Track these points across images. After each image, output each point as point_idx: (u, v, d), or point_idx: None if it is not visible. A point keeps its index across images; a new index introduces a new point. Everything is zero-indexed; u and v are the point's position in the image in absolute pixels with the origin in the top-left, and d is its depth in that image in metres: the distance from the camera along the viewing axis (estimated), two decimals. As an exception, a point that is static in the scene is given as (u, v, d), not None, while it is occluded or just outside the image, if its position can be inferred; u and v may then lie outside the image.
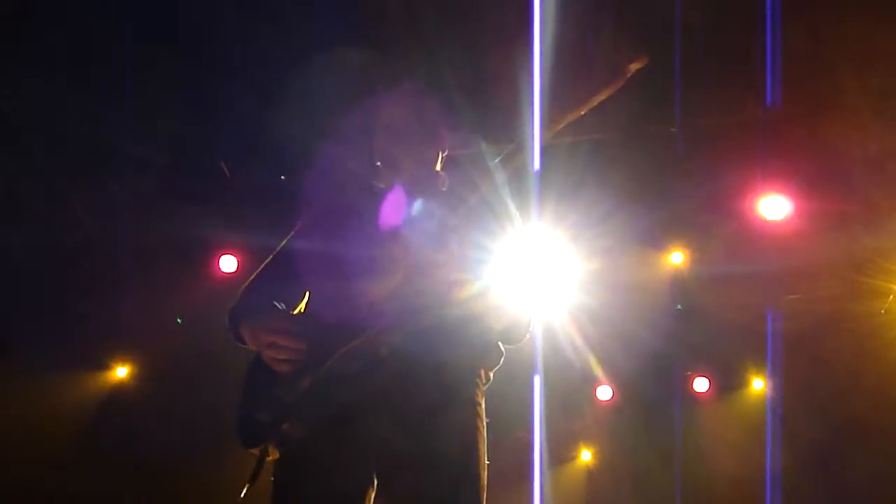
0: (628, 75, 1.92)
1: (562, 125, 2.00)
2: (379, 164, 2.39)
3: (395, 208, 2.06)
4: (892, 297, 6.22)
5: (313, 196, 2.46)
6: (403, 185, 2.27)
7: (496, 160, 2.05)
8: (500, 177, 2.29)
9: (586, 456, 8.26)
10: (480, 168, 2.07)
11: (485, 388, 2.27)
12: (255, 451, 2.21)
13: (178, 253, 5.92)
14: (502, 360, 2.29)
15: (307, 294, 2.35)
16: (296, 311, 2.33)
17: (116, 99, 4.80)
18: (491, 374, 2.29)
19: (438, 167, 2.38)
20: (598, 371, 7.05)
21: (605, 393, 7.48)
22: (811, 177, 5.30)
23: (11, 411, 5.98)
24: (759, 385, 7.52)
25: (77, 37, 4.50)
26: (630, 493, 7.57)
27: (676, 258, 6.27)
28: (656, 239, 6.11)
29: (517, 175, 2.35)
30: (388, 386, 2.10)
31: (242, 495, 2.21)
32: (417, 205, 2.02)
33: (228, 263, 6.04)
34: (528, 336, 2.27)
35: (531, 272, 2.30)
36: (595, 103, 1.97)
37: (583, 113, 2.00)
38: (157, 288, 5.95)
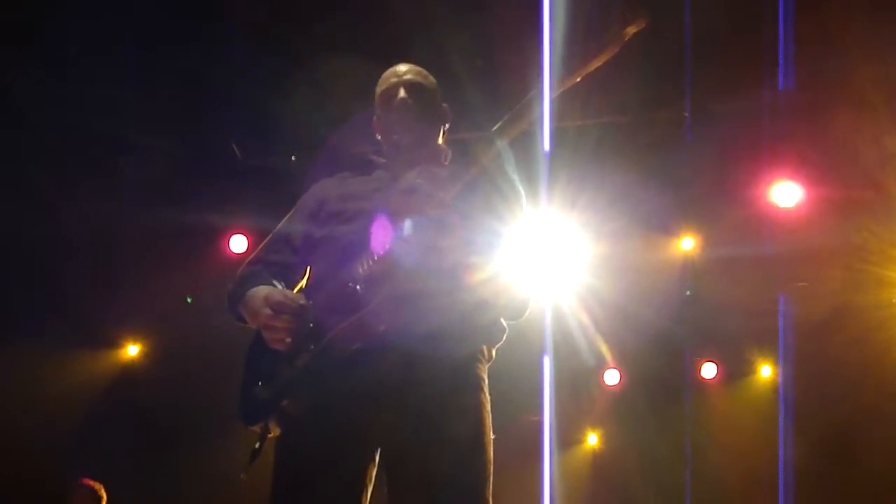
0: (626, 39, 1.89)
1: (557, 93, 1.97)
2: (379, 137, 2.40)
3: (400, 207, 2.03)
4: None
5: (319, 177, 2.45)
6: (405, 161, 2.28)
7: (500, 122, 2.02)
8: (510, 160, 2.29)
9: (593, 439, 8.28)
10: (489, 152, 2.06)
11: (488, 365, 2.27)
12: (257, 428, 2.22)
13: (188, 233, 5.94)
14: (505, 336, 2.28)
15: (307, 272, 2.34)
16: (295, 290, 2.32)
17: (126, 81, 4.81)
18: (494, 351, 2.29)
19: (440, 140, 2.39)
20: (606, 355, 7.06)
21: (612, 377, 7.48)
22: (823, 164, 5.28)
23: (24, 389, 6.03)
24: (766, 372, 7.51)
25: (84, 22, 4.50)
26: (636, 477, 7.58)
27: (686, 243, 6.25)
28: (666, 224, 6.10)
29: (523, 148, 2.34)
30: (392, 367, 2.10)
31: (245, 473, 2.23)
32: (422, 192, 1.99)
33: (239, 243, 6.06)
34: (528, 312, 2.26)
35: (540, 255, 2.29)
36: (591, 69, 1.94)
37: (577, 80, 1.97)
38: (168, 268, 5.98)
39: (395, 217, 2.06)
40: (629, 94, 4.80)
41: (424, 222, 2.01)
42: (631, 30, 1.88)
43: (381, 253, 2.07)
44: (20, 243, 5.54)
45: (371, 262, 2.09)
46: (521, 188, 2.29)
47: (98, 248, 5.91)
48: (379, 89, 2.38)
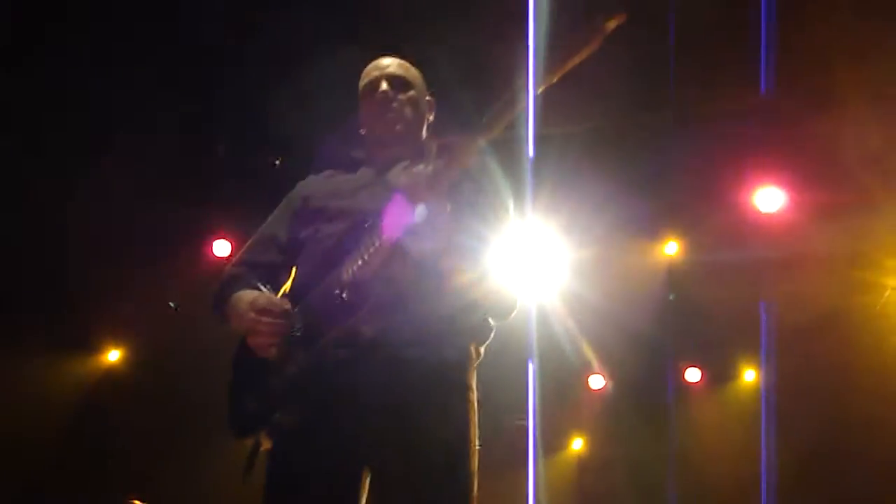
0: (606, 33, 1.87)
1: (540, 89, 1.95)
2: (363, 132, 2.38)
3: (399, 212, 2.00)
4: (887, 292, 6.22)
5: (308, 180, 2.42)
6: (389, 155, 2.25)
7: (484, 118, 2.00)
8: (495, 165, 2.27)
9: (577, 445, 8.29)
10: (473, 152, 2.04)
11: (477, 363, 2.24)
12: (248, 441, 2.20)
13: (172, 237, 5.91)
14: (493, 334, 2.25)
15: (292, 275, 2.31)
16: (281, 292, 2.29)
17: (114, 82, 4.77)
18: (482, 350, 2.26)
19: (424, 133, 2.37)
20: (591, 360, 7.06)
21: (597, 382, 7.49)
22: (806, 169, 5.30)
23: (5, 393, 5.97)
24: (750, 376, 7.53)
25: (77, 18, 4.47)
26: (621, 483, 7.59)
27: (670, 248, 6.27)
28: (650, 229, 6.11)
29: (507, 154, 2.32)
30: (379, 373, 2.07)
31: (245, 473, 2.19)
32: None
33: (222, 248, 6.03)
34: (515, 312, 2.23)
35: (525, 261, 2.27)
36: (573, 64, 1.92)
37: (560, 76, 1.95)
38: (151, 272, 5.94)
39: (382, 218, 2.04)
40: (613, 101, 4.81)
41: (411, 225, 1.99)
42: (611, 24, 1.86)
43: (367, 258, 2.05)
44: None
45: (357, 268, 2.07)
46: (506, 190, 2.28)
47: (79, 252, 5.86)
48: (362, 83, 2.35)
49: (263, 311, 2.15)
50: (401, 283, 2.05)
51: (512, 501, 6.25)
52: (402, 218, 1.99)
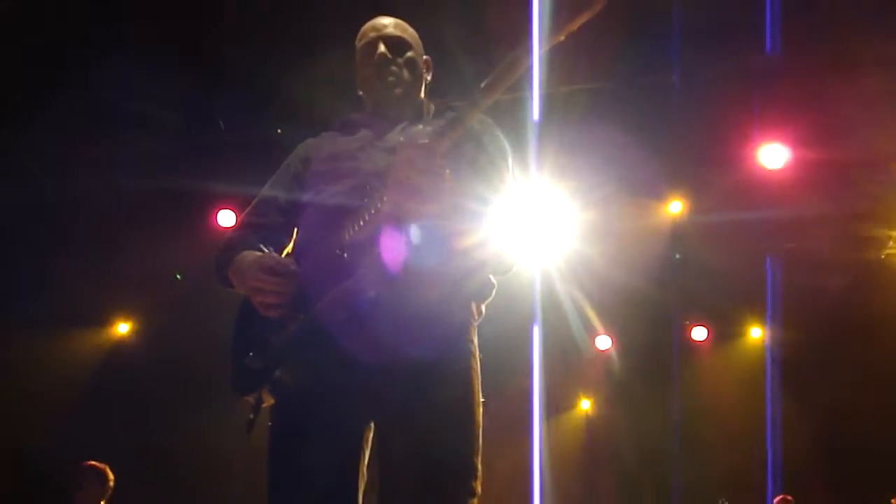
0: None
1: (543, 50, 1.92)
2: (361, 93, 2.36)
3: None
4: (891, 242, 6.22)
5: (307, 142, 2.41)
6: (388, 117, 2.25)
7: (486, 79, 1.98)
8: (496, 125, 2.26)
9: (585, 405, 8.34)
10: (474, 113, 2.02)
11: (478, 322, 2.24)
12: (250, 398, 2.20)
13: (176, 209, 5.91)
14: (494, 291, 2.25)
15: (294, 236, 2.30)
16: (283, 253, 2.29)
17: (115, 56, 4.74)
18: (483, 308, 2.26)
19: (423, 93, 2.35)
20: (597, 321, 7.08)
21: (604, 342, 7.52)
22: (810, 125, 5.27)
23: (15, 369, 6.01)
24: (756, 333, 7.56)
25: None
26: (629, 441, 7.65)
27: (675, 207, 6.26)
28: (655, 188, 6.09)
29: (512, 115, 2.30)
30: (381, 331, 2.07)
31: (248, 430, 2.21)
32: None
33: (227, 218, 6.04)
34: (514, 267, 2.23)
35: (529, 224, 2.26)
36: (574, 27, 1.90)
37: (562, 38, 1.92)
38: (156, 244, 5.95)
39: (382, 182, 2.03)
40: (617, 60, 4.77)
41: (411, 189, 1.98)
42: None
43: (368, 219, 2.05)
44: (7, 223, 5.50)
45: (357, 229, 2.08)
46: (508, 149, 2.26)
47: (86, 226, 5.87)
48: (359, 44, 2.33)
49: (269, 269, 2.15)
50: (402, 244, 2.03)
51: (521, 459, 6.32)
52: (395, 179, 1.98)
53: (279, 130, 5.51)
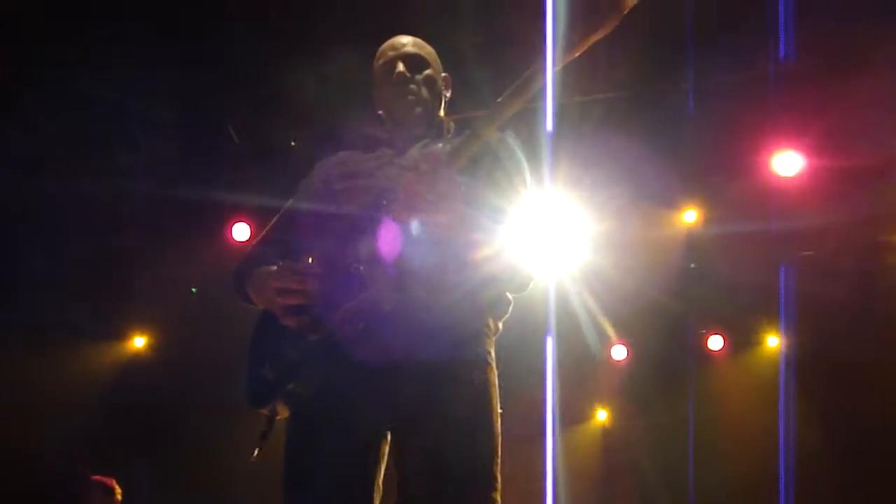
0: (625, 12, 1.86)
1: (559, 67, 1.95)
2: (380, 112, 2.37)
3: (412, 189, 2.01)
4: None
5: (325, 159, 2.43)
6: (407, 135, 2.26)
7: (502, 97, 2.00)
8: (513, 136, 2.27)
9: (602, 416, 8.30)
10: (492, 127, 2.04)
11: (495, 338, 2.25)
12: (265, 410, 2.21)
13: (191, 222, 5.93)
14: (510, 308, 2.26)
15: (313, 253, 2.31)
16: None
17: (129, 63, 4.77)
18: (500, 324, 2.27)
19: (442, 111, 2.37)
20: (612, 331, 7.06)
21: (619, 353, 7.49)
22: (825, 132, 5.25)
23: (32, 382, 6.03)
24: (773, 342, 7.51)
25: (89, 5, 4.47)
26: (646, 452, 7.61)
27: (689, 216, 6.24)
28: (669, 197, 6.08)
29: (526, 126, 2.32)
30: (397, 345, 2.09)
31: (254, 455, 2.22)
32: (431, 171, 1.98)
33: (242, 232, 6.05)
34: (532, 284, 2.24)
35: (544, 234, 2.27)
36: (591, 43, 1.92)
37: (577, 54, 1.94)
38: (172, 258, 5.97)
39: (398, 196, 2.04)
40: (631, 69, 4.77)
41: (425, 201, 1.99)
42: (630, 2, 1.85)
43: (384, 234, 2.06)
44: (24, 234, 5.53)
45: (373, 242, 2.08)
46: (525, 163, 2.27)
47: (102, 239, 5.90)
48: (377, 63, 2.35)
49: (293, 270, 2.15)
50: (418, 257, 2.06)
51: (536, 472, 6.29)
52: (413, 194, 1.99)
53: (293, 143, 5.53)
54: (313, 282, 2.12)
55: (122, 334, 6.93)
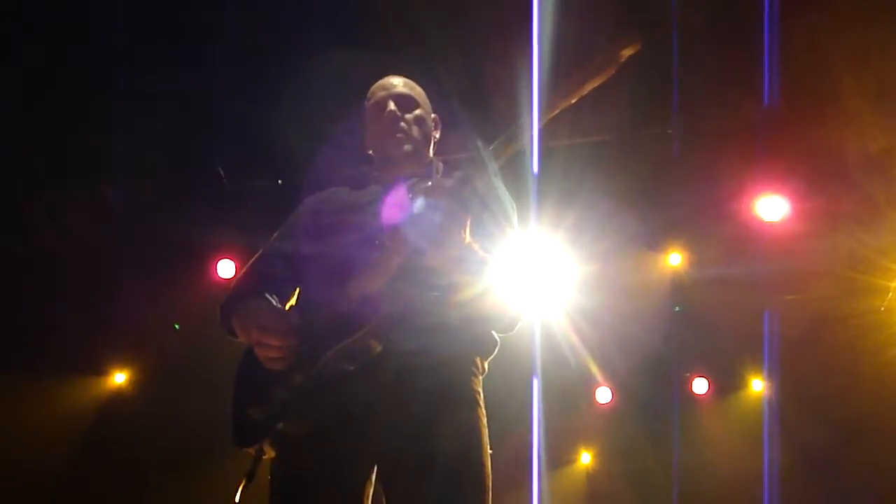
0: (620, 62, 1.88)
1: (551, 115, 1.97)
2: (370, 151, 2.38)
3: (397, 205, 2.02)
4: (890, 294, 6.21)
5: (311, 194, 2.43)
6: (401, 178, 2.27)
7: (490, 147, 2.02)
8: (499, 180, 2.28)
9: (586, 458, 8.26)
10: (479, 171, 2.05)
11: (482, 377, 2.25)
12: (251, 450, 2.19)
13: (176, 258, 5.91)
14: (497, 348, 2.26)
15: (299, 286, 2.32)
16: (288, 305, 2.30)
17: (113, 103, 4.78)
18: (486, 364, 2.27)
19: (431, 151, 2.38)
20: (597, 373, 7.05)
21: (604, 395, 7.47)
22: (808, 177, 5.30)
23: (11, 417, 5.96)
24: (758, 386, 7.51)
25: (72, 38, 4.48)
26: (630, 495, 7.56)
27: (674, 260, 6.27)
28: (654, 241, 6.11)
29: (512, 168, 2.33)
30: (386, 385, 2.08)
31: (237, 496, 2.19)
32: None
33: (226, 269, 6.03)
34: (518, 325, 2.24)
35: (529, 275, 2.27)
36: (586, 91, 1.94)
37: (573, 101, 1.96)
38: (155, 294, 5.94)
39: (389, 235, 2.04)
40: (616, 114, 4.82)
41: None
42: (626, 52, 1.87)
43: (374, 272, 2.06)
44: (3, 268, 5.49)
45: (364, 281, 2.07)
46: (511, 206, 2.29)
47: (84, 274, 5.86)
48: (368, 102, 2.37)
49: (272, 329, 2.14)
50: (407, 296, 2.05)
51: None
52: (401, 209, 2.00)
53: (280, 181, 5.54)
54: (291, 340, 2.12)
55: (102, 370, 6.86)
